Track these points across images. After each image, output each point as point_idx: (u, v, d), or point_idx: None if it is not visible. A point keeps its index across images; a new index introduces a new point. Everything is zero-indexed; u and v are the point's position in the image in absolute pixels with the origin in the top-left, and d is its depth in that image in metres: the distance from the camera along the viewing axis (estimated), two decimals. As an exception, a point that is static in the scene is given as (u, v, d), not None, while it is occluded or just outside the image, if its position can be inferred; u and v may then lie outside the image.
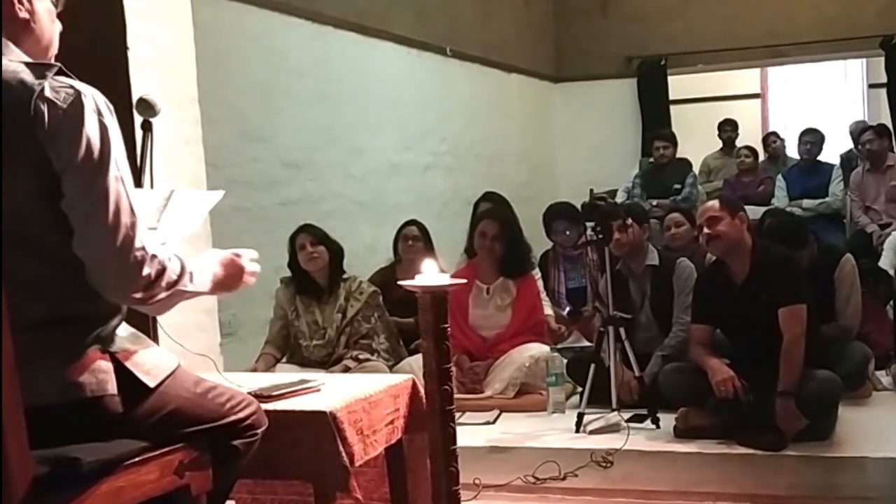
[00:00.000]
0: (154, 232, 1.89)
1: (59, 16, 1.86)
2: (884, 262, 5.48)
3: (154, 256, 1.72)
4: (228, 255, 1.99)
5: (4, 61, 1.67)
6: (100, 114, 1.68)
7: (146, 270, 1.70)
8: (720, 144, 8.43)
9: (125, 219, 1.68)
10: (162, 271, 1.73)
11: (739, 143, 8.11)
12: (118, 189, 1.69)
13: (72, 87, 1.67)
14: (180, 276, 1.78)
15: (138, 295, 1.71)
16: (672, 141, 7.42)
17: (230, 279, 1.97)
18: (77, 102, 1.65)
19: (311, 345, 4.53)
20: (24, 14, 1.76)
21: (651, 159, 7.59)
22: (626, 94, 8.92)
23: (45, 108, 1.62)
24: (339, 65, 5.65)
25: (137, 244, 1.69)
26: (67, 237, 1.68)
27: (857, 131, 7.28)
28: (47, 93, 1.64)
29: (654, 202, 7.03)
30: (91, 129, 1.66)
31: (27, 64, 1.68)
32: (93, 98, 1.69)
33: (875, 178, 6.55)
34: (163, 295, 1.75)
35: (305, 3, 5.32)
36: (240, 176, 4.75)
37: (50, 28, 1.82)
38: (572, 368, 4.54)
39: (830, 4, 8.29)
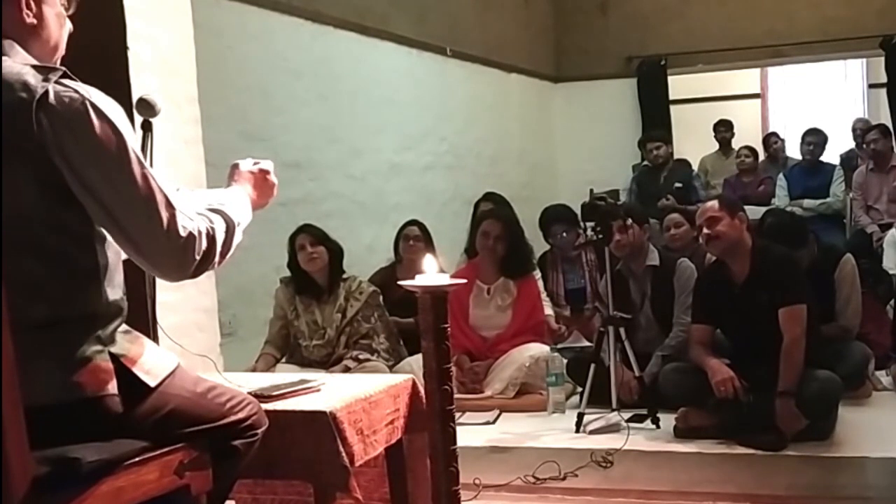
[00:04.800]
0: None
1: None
2: (887, 261, 5.47)
3: (200, 232, 1.74)
4: (255, 173, 2.05)
5: (8, 62, 1.67)
6: (105, 113, 1.68)
7: (200, 245, 1.73)
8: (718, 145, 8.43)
9: (160, 200, 1.69)
10: (213, 239, 1.77)
11: (740, 143, 8.09)
12: (144, 175, 1.68)
13: (76, 90, 1.67)
14: (229, 230, 1.82)
15: (202, 267, 1.75)
16: (665, 140, 7.38)
17: (262, 197, 2.05)
18: (81, 106, 1.65)
19: (311, 345, 4.53)
20: (31, 20, 1.75)
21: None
22: (626, 94, 8.92)
23: (47, 112, 1.62)
24: (339, 65, 5.65)
25: (181, 221, 1.71)
26: (69, 238, 1.68)
27: (862, 129, 7.28)
28: (51, 96, 1.63)
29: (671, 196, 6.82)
30: (100, 129, 1.66)
31: (32, 66, 1.68)
32: (97, 100, 1.68)
33: (878, 177, 6.55)
34: (225, 256, 1.81)
35: (305, 3, 5.32)
36: (240, 176, 4.74)
37: (58, 32, 1.82)
38: (572, 368, 4.54)
39: (830, 4, 8.29)
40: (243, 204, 1.96)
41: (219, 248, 1.79)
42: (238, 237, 1.87)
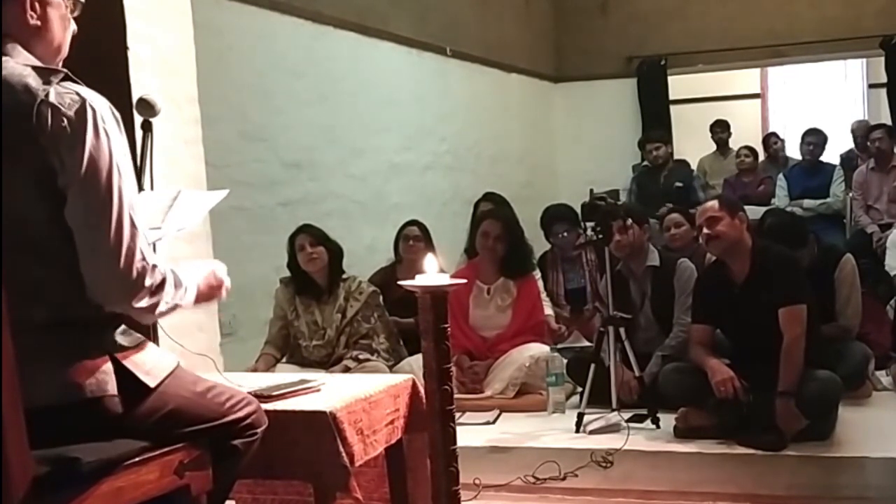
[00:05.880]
0: (157, 231, 1.90)
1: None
2: (890, 261, 5.45)
3: (155, 267, 1.73)
4: (210, 268, 1.98)
5: (11, 63, 1.67)
6: (104, 122, 1.68)
7: (149, 281, 1.71)
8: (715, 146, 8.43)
9: (127, 231, 1.69)
10: (163, 282, 1.74)
11: (740, 143, 8.08)
12: (120, 200, 1.68)
13: (77, 94, 1.66)
14: (177, 287, 1.78)
15: (142, 304, 1.71)
16: (664, 140, 7.38)
17: (210, 290, 1.96)
18: (81, 111, 1.65)
19: (311, 345, 4.53)
20: (34, 21, 1.76)
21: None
22: (626, 94, 8.93)
23: (48, 115, 1.62)
24: (339, 65, 5.65)
25: (139, 255, 1.70)
26: (69, 240, 1.68)
27: (863, 130, 7.27)
28: (52, 98, 1.63)
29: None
30: (94, 139, 1.65)
31: (34, 68, 1.68)
32: (98, 106, 1.68)
33: (879, 177, 6.54)
34: (164, 307, 1.75)
35: (305, 3, 5.32)
36: (240, 176, 4.74)
37: (61, 34, 1.82)
38: (572, 368, 4.54)
39: (830, 4, 8.29)
40: (193, 284, 1.86)
41: (165, 296, 1.74)
42: (182, 301, 1.80)
